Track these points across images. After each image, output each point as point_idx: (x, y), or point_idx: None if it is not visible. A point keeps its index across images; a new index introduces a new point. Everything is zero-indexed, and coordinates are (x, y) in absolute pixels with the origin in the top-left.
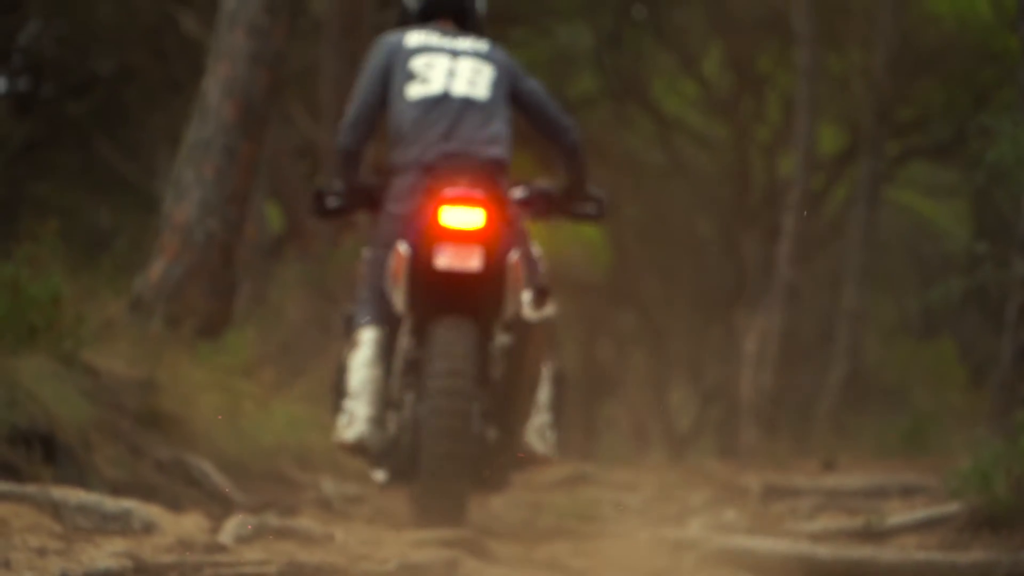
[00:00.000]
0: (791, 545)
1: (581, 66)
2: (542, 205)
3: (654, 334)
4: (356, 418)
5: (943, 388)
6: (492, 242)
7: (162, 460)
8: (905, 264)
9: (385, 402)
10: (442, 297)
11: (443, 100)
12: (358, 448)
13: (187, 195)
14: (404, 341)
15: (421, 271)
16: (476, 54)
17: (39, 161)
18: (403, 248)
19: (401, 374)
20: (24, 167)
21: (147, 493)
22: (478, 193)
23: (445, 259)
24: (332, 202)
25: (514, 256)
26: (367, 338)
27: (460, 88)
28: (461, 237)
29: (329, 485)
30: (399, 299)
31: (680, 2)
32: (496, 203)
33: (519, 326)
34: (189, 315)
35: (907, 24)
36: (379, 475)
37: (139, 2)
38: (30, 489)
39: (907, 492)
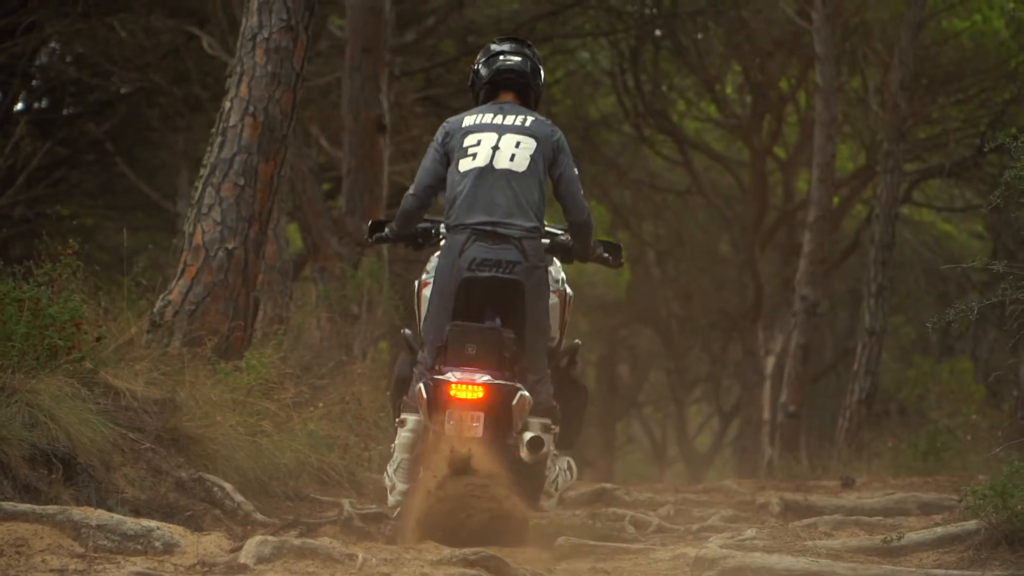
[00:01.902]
0: (811, 563)
1: (602, 86)
2: (563, 254)
3: (673, 352)
4: (396, 491)
5: (961, 406)
6: (495, 402)
7: (183, 480)
8: (923, 283)
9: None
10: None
11: (487, 172)
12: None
13: (207, 215)
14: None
15: (435, 419)
16: (521, 130)
17: (59, 181)
18: (422, 389)
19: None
20: (44, 187)
21: (168, 513)
22: (478, 367)
23: (452, 425)
24: (379, 233)
25: (518, 398)
26: (410, 423)
27: (502, 162)
28: (466, 406)
29: (350, 505)
30: (424, 417)
31: (699, 24)
32: (499, 359)
33: (520, 461)
34: (209, 335)
35: (924, 43)
36: None
37: (159, 23)
38: (50, 509)
39: (926, 510)
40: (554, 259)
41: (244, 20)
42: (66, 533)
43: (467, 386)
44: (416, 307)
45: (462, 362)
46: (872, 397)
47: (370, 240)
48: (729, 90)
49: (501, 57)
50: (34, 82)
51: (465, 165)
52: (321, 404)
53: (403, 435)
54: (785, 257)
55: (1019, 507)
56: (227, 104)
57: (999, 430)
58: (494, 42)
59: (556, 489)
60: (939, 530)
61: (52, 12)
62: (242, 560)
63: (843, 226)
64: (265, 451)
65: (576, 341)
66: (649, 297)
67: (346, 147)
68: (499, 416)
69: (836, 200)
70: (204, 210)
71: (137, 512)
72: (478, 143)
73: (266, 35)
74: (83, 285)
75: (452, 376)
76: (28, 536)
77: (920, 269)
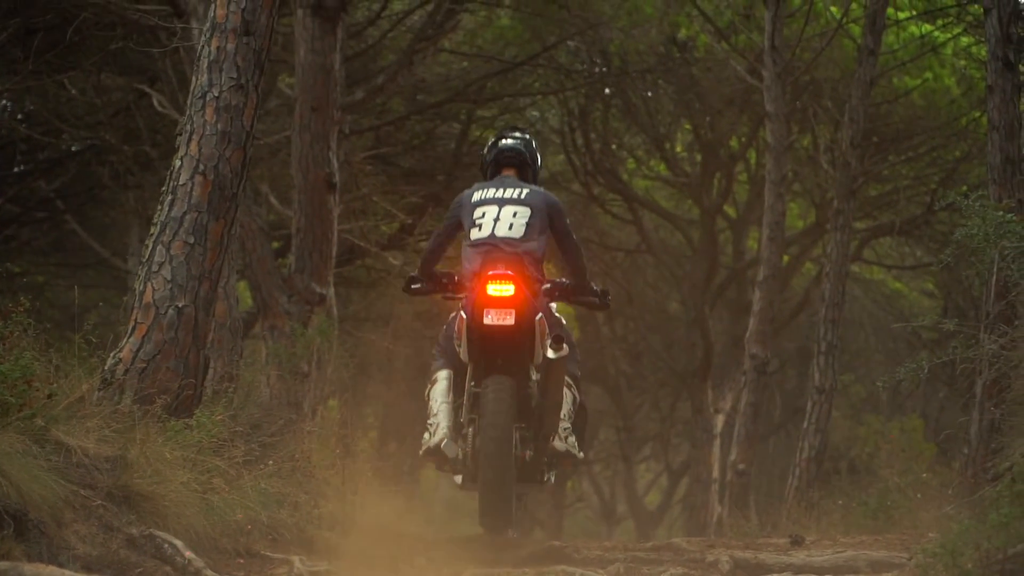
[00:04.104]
0: None
1: (551, 145)
2: (559, 293)
3: (622, 410)
4: (438, 429)
5: (911, 464)
6: (522, 306)
7: (133, 537)
8: (873, 341)
9: (457, 421)
10: (491, 348)
11: (489, 240)
12: (438, 452)
13: (157, 273)
14: (468, 382)
15: (475, 328)
16: (517, 201)
17: (10, 239)
18: (463, 314)
19: (468, 408)
20: None
21: (119, 569)
22: (511, 273)
23: (490, 318)
24: (415, 284)
25: (539, 316)
26: (442, 376)
27: (502, 231)
28: (500, 303)
29: (300, 562)
30: (463, 351)
31: (649, 82)
32: (524, 280)
33: (545, 364)
34: (160, 393)
35: (875, 101)
36: (457, 479)
37: (110, 81)
38: (2, 566)
39: (876, 568)
40: (550, 304)
41: (194, 78)
42: None
43: (501, 282)
44: (446, 332)
45: (497, 271)
46: (822, 455)
47: (408, 292)
48: (679, 148)
49: (503, 141)
50: None
51: (474, 235)
52: (271, 462)
53: (439, 385)
54: (735, 315)
55: (969, 565)
56: (177, 162)
57: (949, 488)
58: (499, 133)
59: (568, 444)
60: None
61: (2, 69)
62: None
63: (793, 284)
64: (216, 508)
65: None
66: (598, 355)
67: (296, 205)
68: (526, 318)
69: (786, 258)
70: (154, 268)
71: (88, 569)
72: (483, 215)
73: (216, 93)
74: (34, 342)
75: (490, 283)
76: None
77: (870, 327)
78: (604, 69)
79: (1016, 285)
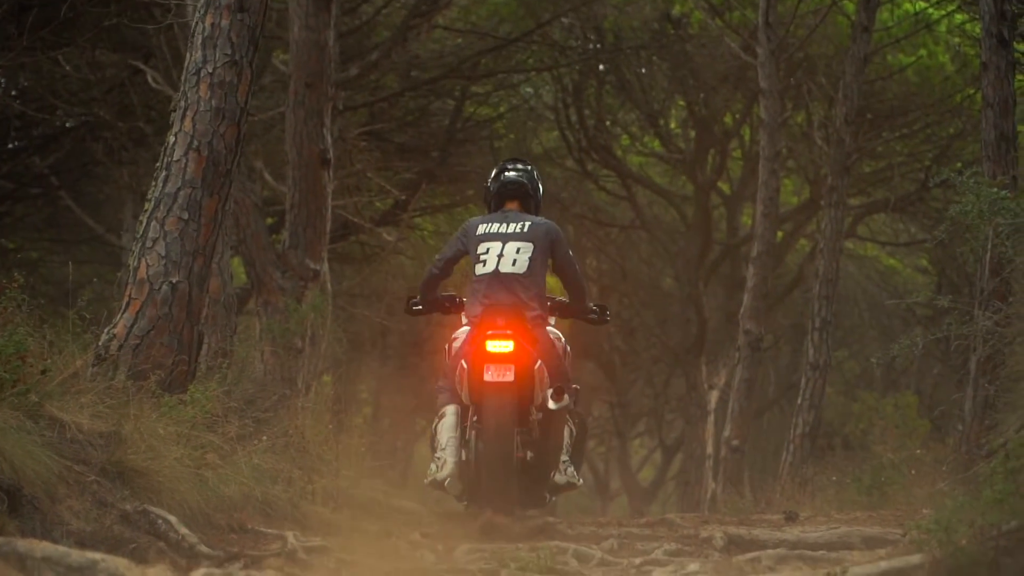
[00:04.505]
0: None
1: (545, 121)
2: (560, 311)
3: (616, 387)
4: (446, 464)
5: (905, 441)
6: (521, 359)
7: (127, 512)
8: (867, 317)
9: (463, 453)
10: (491, 397)
11: (494, 276)
12: (443, 485)
13: (151, 249)
14: (471, 416)
15: (475, 381)
16: (520, 236)
17: (4, 215)
18: (464, 364)
19: (471, 430)
20: None
21: (113, 545)
22: (510, 329)
23: (490, 374)
24: (416, 306)
25: (538, 365)
26: (449, 411)
27: (506, 267)
28: (500, 359)
29: (294, 537)
30: (464, 395)
31: (643, 59)
32: (523, 334)
33: (547, 413)
34: (154, 368)
35: (869, 78)
36: (462, 504)
37: (104, 57)
38: None
39: (870, 544)
40: (550, 320)
41: (188, 55)
42: (11, 565)
43: (500, 340)
44: (447, 357)
45: (496, 329)
46: (816, 431)
47: (408, 312)
48: (673, 125)
49: (506, 173)
50: None
51: (479, 270)
52: (265, 437)
53: (447, 420)
54: (729, 291)
55: (963, 541)
56: (171, 138)
57: (943, 464)
58: (501, 165)
59: (568, 476)
60: (883, 564)
61: None
62: None
63: (787, 260)
64: (209, 484)
65: (576, 385)
66: (592, 331)
67: (290, 181)
68: (525, 372)
69: (780, 234)
70: (148, 244)
71: (82, 544)
72: (487, 251)
73: (210, 70)
74: (28, 318)
75: (489, 341)
76: None
77: (864, 303)
78: (598, 45)
79: (1010, 262)
